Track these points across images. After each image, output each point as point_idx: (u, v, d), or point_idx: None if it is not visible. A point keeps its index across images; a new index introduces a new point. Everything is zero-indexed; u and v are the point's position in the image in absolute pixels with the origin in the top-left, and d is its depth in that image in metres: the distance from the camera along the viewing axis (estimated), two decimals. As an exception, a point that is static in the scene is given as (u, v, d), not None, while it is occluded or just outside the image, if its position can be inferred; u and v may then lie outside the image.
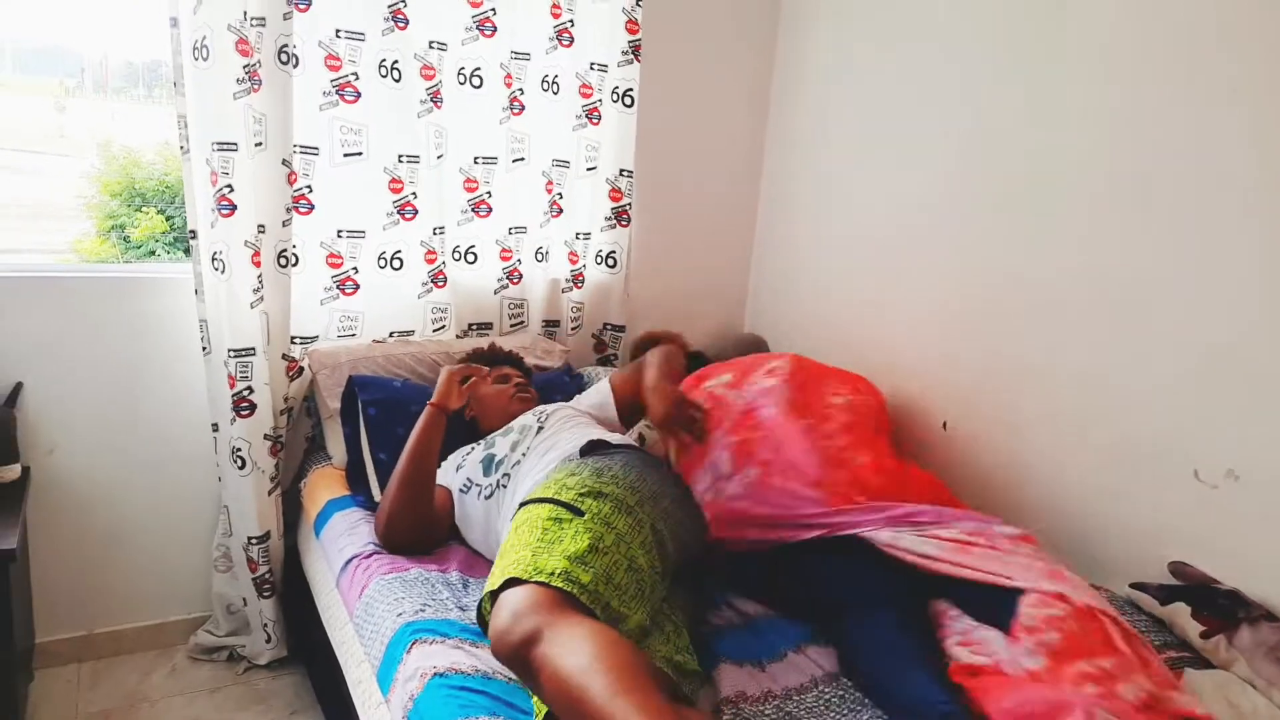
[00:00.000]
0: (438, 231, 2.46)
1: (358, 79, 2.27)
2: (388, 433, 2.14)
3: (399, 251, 2.42)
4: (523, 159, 2.55)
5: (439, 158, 2.42)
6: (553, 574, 1.35)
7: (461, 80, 2.42)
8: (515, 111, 2.50)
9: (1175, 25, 1.82)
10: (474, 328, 2.62)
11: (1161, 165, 1.84)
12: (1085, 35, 1.98)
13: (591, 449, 1.76)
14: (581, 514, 1.49)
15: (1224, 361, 1.76)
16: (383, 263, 2.41)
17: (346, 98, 2.27)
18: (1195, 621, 1.66)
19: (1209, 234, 1.77)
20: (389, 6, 2.26)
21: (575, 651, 1.23)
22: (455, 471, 2.00)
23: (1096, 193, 1.97)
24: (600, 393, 2.12)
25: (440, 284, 2.49)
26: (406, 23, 2.30)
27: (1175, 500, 1.84)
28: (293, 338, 2.31)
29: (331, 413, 2.28)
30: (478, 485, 1.90)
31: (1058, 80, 2.04)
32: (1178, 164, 1.81)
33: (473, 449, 2.03)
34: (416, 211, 2.42)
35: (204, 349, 2.20)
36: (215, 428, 2.25)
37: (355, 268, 2.38)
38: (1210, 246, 1.77)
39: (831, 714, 1.48)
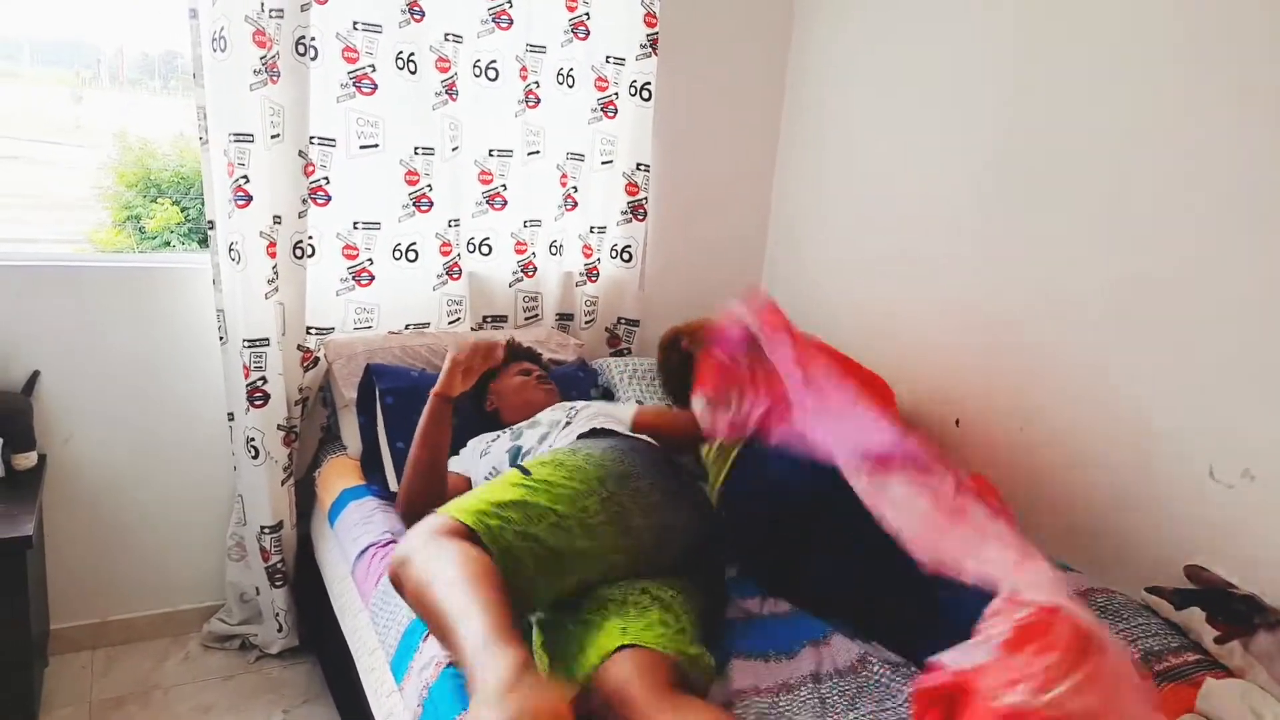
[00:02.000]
0: (453, 224, 2.46)
1: (375, 71, 2.27)
2: (405, 422, 2.13)
3: (414, 243, 2.43)
4: (538, 152, 2.55)
5: (454, 150, 2.42)
6: (463, 510, 1.43)
7: (477, 73, 2.42)
8: (530, 105, 2.50)
9: (1204, 29, 1.80)
10: (489, 320, 2.62)
11: (1178, 166, 1.83)
12: (1109, 41, 1.97)
13: (594, 434, 1.78)
14: (528, 473, 1.56)
15: (1240, 360, 1.74)
16: (398, 254, 2.42)
17: (364, 90, 2.28)
18: (1211, 626, 1.65)
19: (1224, 233, 1.76)
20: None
21: (435, 558, 1.34)
22: (480, 458, 2.01)
23: (1112, 193, 1.96)
24: (624, 412, 2.09)
25: (455, 276, 2.49)
26: (423, 15, 2.30)
27: (1191, 500, 1.83)
28: (309, 328, 2.32)
29: (347, 402, 2.28)
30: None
31: (1080, 80, 2.02)
32: (1195, 165, 1.80)
33: (498, 437, 2.04)
34: (432, 204, 2.42)
35: (221, 338, 2.21)
36: (231, 417, 2.26)
37: (370, 259, 2.39)
38: (1225, 246, 1.76)
39: (845, 705, 1.48)
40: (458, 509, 1.44)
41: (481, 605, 1.23)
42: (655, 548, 1.61)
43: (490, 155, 2.49)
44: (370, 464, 2.20)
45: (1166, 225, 1.86)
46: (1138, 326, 1.92)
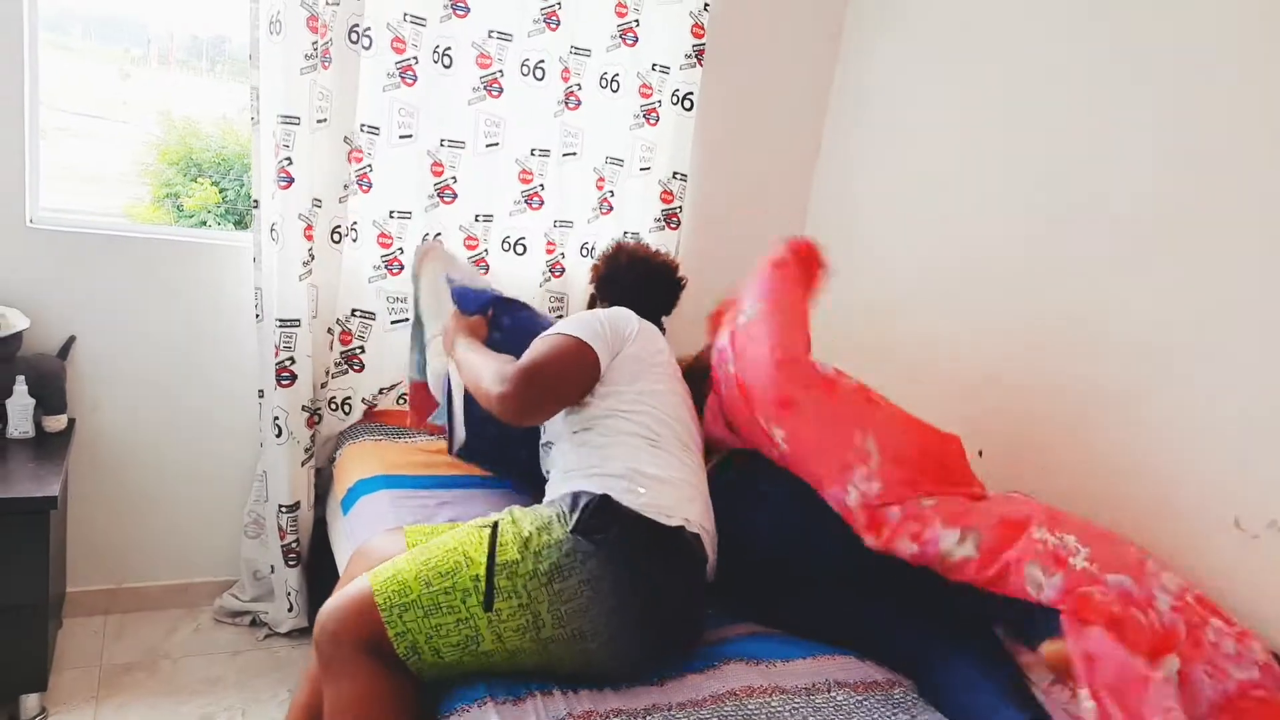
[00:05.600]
0: (480, 219, 2.48)
1: (417, 63, 2.30)
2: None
3: (438, 235, 2.44)
4: (574, 153, 2.56)
5: (489, 146, 2.44)
6: (403, 630, 1.43)
7: (525, 71, 2.43)
8: (571, 106, 2.51)
9: (1246, 70, 1.80)
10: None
11: (1220, 205, 1.82)
12: (1162, 68, 1.97)
13: (589, 516, 1.52)
14: (489, 610, 1.43)
15: (1267, 408, 1.73)
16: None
17: (406, 80, 2.30)
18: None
19: (1258, 278, 1.75)
20: (450, -7, 2.30)
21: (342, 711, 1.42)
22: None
23: (1148, 233, 1.95)
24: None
25: (482, 271, 2.51)
26: (467, 11, 2.32)
27: (1215, 549, 1.80)
28: (352, 310, 2.37)
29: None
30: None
31: (1124, 113, 2.02)
32: (1237, 207, 1.79)
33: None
34: (456, 195, 2.43)
35: (257, 316, 2.24)
36: (261, 394, 2.28)
37: (401, 249, 2.41)
38: (1258, 291, 1.75)
39: (841, 717, 1.50)
40: (397, 628, 1.43)
41: None
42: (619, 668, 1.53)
43: (532, 155, 2.51)
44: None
45: (1200, 269, 1.84)
46: (1169, 369, 1.90)
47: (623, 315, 1.83)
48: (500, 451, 2.07)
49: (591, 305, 2.19)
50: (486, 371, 1.71)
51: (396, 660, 1.43)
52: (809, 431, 1.75)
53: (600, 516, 1.51)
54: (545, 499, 1.70)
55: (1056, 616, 1.47)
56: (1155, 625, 1.42)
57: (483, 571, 1.45)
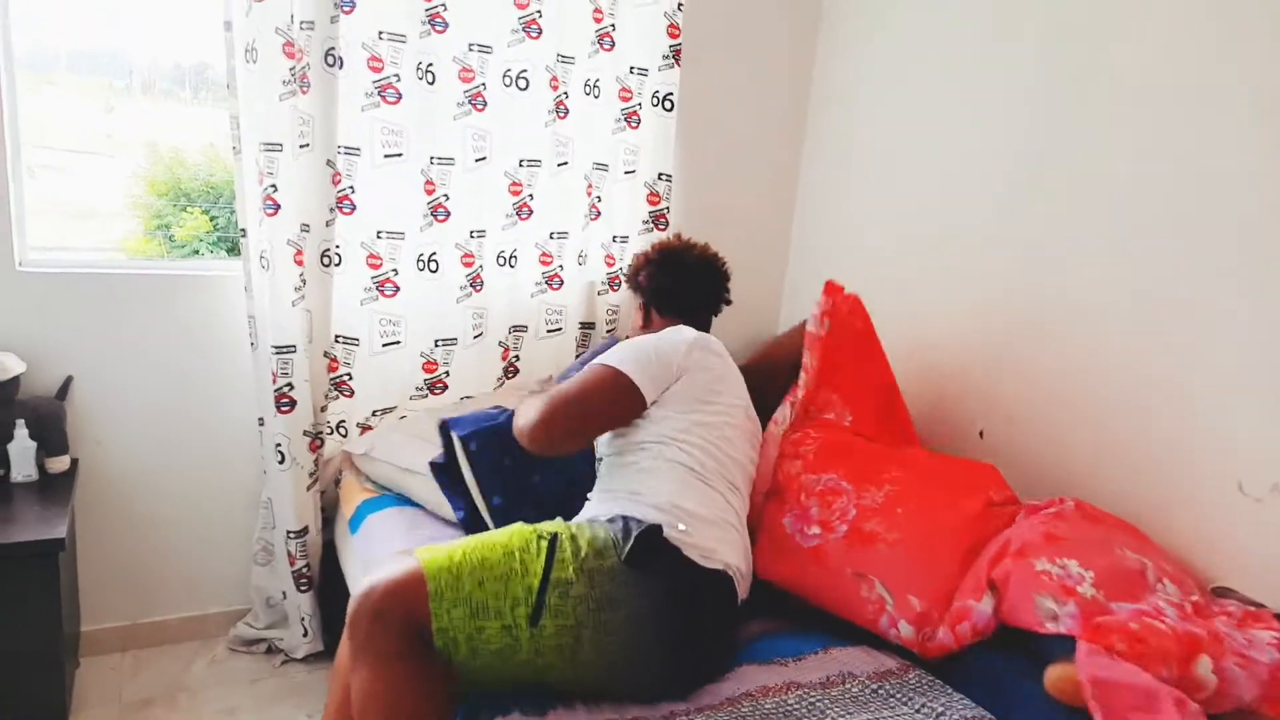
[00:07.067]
0: (475, 235, 2.47)
1: (399, 80, 2.29)
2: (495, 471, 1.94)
3: (434, 254, 2.43)
4: (567, 163, 2.56)
5: (478, 160, 2.43)
6: (447, 625, 1.41)
7: (507, 83, 2.42)
8: (560, 115, 2.51)
9: (1231, 39, 1.79)
10: (513, 330, 2.62)
11: (1206, 173, 1.82)
12: (1135, 49, 1.96)
13: (641, 548, 1.52)
14: (535, 625, 1.43)
15: (1269, 372, 1.73)
16: (420, 265, 2.42)
17: (388, 99, 2.29)
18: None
19: (1255, 244, 1.74)
20: (427, 10, 2.28)
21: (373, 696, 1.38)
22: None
23: (1142, 201, 1.94)
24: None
25: (478, 288, 2.51)
26: (445, 26, 2.31)
27: (1219, 514, 1.81)
28: (336, 337, 2.35)
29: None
30: None
31: (1108, 85, 2.01)
32: (1224, 172, 1.79)
33: None
34: (449, 214, 2.42)
35: (252, 344, 2.24)
36: (261, 422, 2.29)
37: (395, 269, 2.40)
38: (1256, 256, 1.74)
39: (856, 708, 1.52)
40: (445, 619, 1.41)
41: None
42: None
43: (520, 166, 2.50)
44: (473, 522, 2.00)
45: (1196, 234, 1.84)
46: (1165, 338, 1.90)
47: (674, 345, 1.76)
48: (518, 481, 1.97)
49: (646, 318, 2.05)
50: (522, 407, 1.72)
51: (432, 651, 1.42)
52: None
53: (651, 548, 1.51)
54: (587, 513, 1.69)
55: (1062, 644, 1.47)
56: (1177, 630, 1.43)
57: (536, 584, 1.45)
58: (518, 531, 1.54)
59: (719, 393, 1.77)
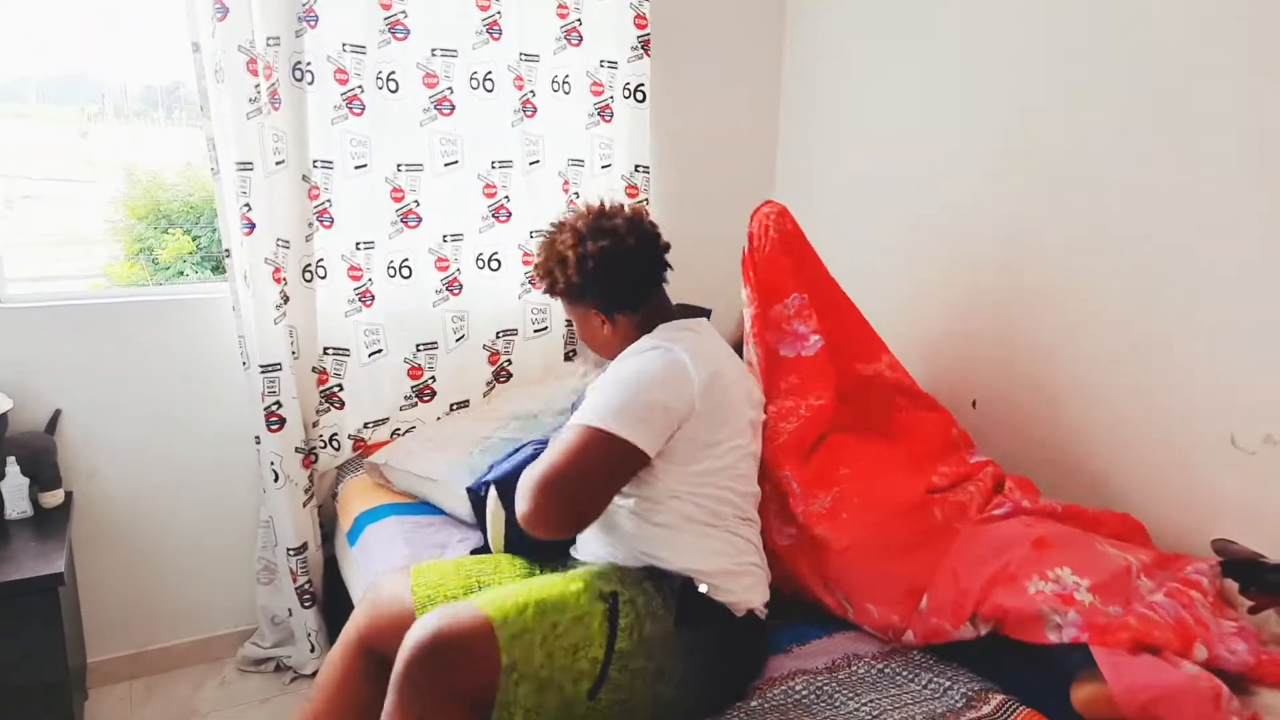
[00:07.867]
0: (450, 239, 2.46)
1: (363, 91, 2.27)
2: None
3: (406, 259, 2.42)
4: (538, 161, 2.54)
5: (448, 165, 2.42)
6: (513, 699, 1.33)
7: (474, 85, 2.41)
8: (528, 114, 2.49)
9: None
10: (500, 335, 2.62)
11: (1194, 131, 1.80)
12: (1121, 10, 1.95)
13: (687, 606, 1.50)
14: (593, 699, 1.39)
15: (1259, 325, 1.72)
16: (392, 272, 2.41)
17: (354, 110, 2.28)
18: (1245, 599, 1.63)
19: (1242, 196, 1.74)
20: (385, 19, 2.26)
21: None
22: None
23: (1126, 159, 1.93)
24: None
25: (456, 291, 2.50)
26: (407, 33, 2.29)
27: (1214, 469, 1.81)
28: (325, 349, 2.34)
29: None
30: None
31: (1095, 51, 2.00)
32: (1208, 127, 1.78)
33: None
34: (420, 219, 2.41)
35: (243, 363, 2.23)
36: (258, 440, 2.28)
37: (371, 279, 2.39)
38: (1243, 209, 1.74)
39: (864, 689, 1.53)
40: (512, 668, 1.34)
41: None
42: None
43: (493, 168, 2.49)
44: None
45: (1183, 189, 1.83)
46: (1155, 296, 1.90)
47: (677, 391, 1.51)
48: None
49: (610, 322, 1.71)
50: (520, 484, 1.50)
51: (481, 707, 1.34)
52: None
53: (693, 604, 1.50)
54: (604, 548, 1.63)
55: (1077, 656, 1.46)
56: (1171, 620, 1.44)
57: (601, 655, 1.40)
58: (580, 588, 1.46)
59: (725, 422, 1.58)
